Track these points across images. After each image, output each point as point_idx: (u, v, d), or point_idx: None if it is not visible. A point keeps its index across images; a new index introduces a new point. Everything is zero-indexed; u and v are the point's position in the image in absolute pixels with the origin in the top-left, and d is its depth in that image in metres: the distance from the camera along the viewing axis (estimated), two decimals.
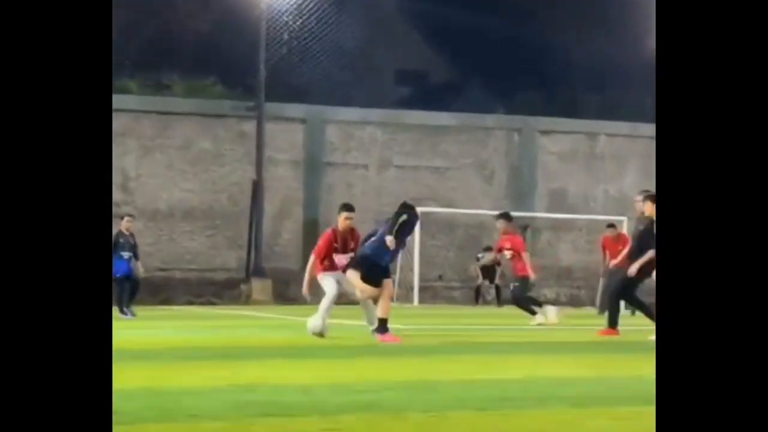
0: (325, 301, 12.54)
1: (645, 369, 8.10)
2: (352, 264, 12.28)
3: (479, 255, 29.15)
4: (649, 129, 29.86)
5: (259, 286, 28.68)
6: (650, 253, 12.48)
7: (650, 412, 5.13)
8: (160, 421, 5.65)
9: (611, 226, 21.90)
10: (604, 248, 21.19)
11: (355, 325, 16.62)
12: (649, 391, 5.70)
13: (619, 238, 20.70)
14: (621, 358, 10.38)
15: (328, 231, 12.89)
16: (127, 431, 5.26)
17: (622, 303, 14.61)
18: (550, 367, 8.84)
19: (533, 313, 16.96)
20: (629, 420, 5.86)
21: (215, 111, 29.30)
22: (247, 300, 28.19)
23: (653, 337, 11.30)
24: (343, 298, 13.05)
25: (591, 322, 17.70)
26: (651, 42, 22.99)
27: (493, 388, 7.29)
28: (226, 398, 6.55)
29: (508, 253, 16.86)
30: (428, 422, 5.73)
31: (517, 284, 17.07)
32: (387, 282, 12.32)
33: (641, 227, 13.32)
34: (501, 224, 17.05)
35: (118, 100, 28.00)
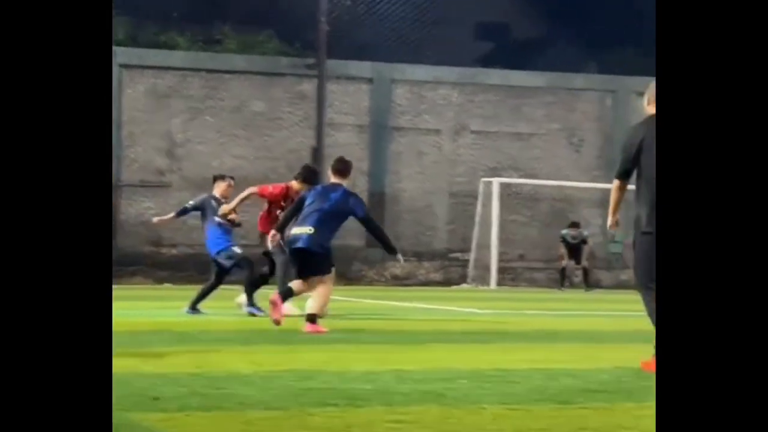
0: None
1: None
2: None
3: (563, 232, 29.17)
4: None
5: None
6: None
7: None
8: (208, 409, 5.73)
9: None
10: None
11: (422, 308, 16.93)
12: None
13: None
14: None
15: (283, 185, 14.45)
16: (171, 419, 5.39)
17: None
18: (642, 357, 8.29)
19: None
20: None
21: (271, 69, 29.29)
22: None
23: None
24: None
25: None
26: None
27: (578, 379, 7.29)
28: (280, 385, 6.66)
29: None
30: (505, 415, 5.70)
31: None
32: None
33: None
34: None
35: (164, 57, 28.66)
